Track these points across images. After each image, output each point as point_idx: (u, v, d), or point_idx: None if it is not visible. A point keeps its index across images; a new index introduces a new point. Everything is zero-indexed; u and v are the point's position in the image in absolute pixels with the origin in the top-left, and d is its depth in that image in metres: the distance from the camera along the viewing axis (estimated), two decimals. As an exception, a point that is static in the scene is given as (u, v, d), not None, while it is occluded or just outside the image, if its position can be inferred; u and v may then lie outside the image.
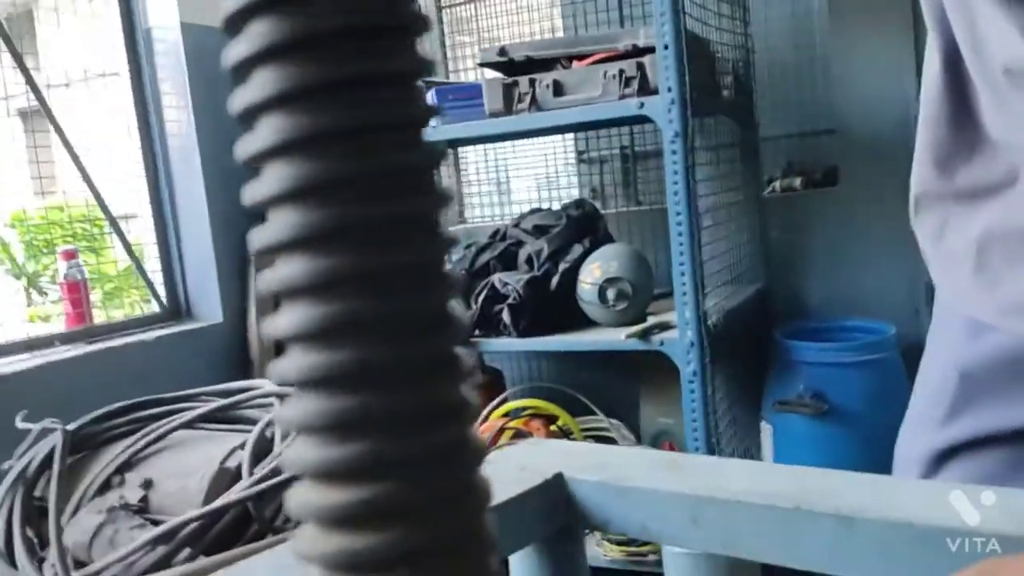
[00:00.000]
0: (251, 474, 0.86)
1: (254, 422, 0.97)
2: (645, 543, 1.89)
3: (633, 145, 2.64)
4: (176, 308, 2.72)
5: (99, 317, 2.60)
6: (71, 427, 0.95)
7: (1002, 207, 0.59)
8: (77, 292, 2.56)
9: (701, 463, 0.62)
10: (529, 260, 2.07)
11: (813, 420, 1.95)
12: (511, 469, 0.64)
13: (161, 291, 2.70)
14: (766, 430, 2.10)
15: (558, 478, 0.62)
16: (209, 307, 2.71)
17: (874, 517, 0.49)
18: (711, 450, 1.82)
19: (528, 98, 1.86)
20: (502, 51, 1.92)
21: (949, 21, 0.59)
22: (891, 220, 2.32)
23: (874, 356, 2.02)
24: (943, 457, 0.64)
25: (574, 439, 2.23)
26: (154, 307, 2.69)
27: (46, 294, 2.99)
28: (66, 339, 2.44)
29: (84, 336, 2.47)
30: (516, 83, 1.88)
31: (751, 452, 2.19)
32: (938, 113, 0.62)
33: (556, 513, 0.62)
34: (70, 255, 2.58)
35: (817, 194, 2.41)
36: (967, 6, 0.56)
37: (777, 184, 2.48)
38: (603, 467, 0.62)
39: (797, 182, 2.45)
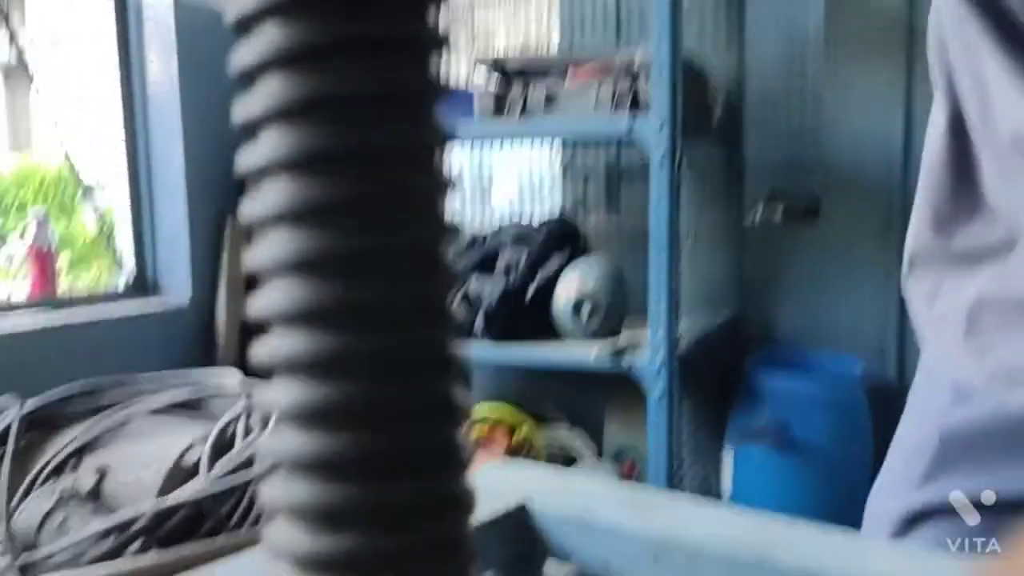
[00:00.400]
0: (209, 471, 0.84)
1: (218, 412, 0.95)
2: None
3: (619, 162, 2.65)
4: (144, 284, 2.69)
5: (65, 283, 2.56)
6: (28, 406, 0.93)
7: (997, 273, 0.59)
8: (44, 261, 2.52)
9: (667, 502, 0.62)
10: (507, 269, 2.06)
11: (775, 452, 1.96)
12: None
13: (131, 263, 2.66)
14: (728, 458, 2.11)
15: (521, 508, 0.62)
16: (178, 284, 2.67)
17: (838, 575, 0.49)
18: (671, 475, 1.83)
19: (519, 107, 1.86)
20: (496, 64, 1.92)
21: (956, 85, 0.59)
22: (867, 259, 2.34)
23: (840, 392, 2.04)
24: (916, 519, 0.64)
25: (535, 452, 2.23)
26: (121, 279, 2.65)
27: (12, 256, 2.93)
28: (29, 307, 2.40)
29: (48, 306, 2.43)
30: (508, 91, 1.88)
31: (711, 479, 2.20)
32: (940, 176, 0.62)
33: (518, 541, 0.62)
34: (40, 220, 2.54)
35: (797, 224, 2.43)
36: (977, 72, 0.56)
37: (757, 216, 2.49)
38: (568, 495, 0.62)
39: (779, 212, 2.47)
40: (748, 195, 2.48)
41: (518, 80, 1.91)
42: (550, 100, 1.85)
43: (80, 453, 0.91)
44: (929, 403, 0.66)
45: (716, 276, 2.22)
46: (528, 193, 2.64)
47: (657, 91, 1.69)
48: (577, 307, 1.91)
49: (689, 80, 1.75)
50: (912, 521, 0.63)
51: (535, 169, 2.65)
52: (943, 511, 0.62)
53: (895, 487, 0.68)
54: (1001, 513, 0.60)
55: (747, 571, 0.52)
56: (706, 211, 2.14)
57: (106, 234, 2.63)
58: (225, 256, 2.70)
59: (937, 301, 0.64)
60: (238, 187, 2.73)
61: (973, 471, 0.61)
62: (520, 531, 0.62)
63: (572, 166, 2.71)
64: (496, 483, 0.66)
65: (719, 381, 2.22)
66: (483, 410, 2.32)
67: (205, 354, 2.61)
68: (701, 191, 2.09)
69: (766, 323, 2.43)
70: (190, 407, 1.01)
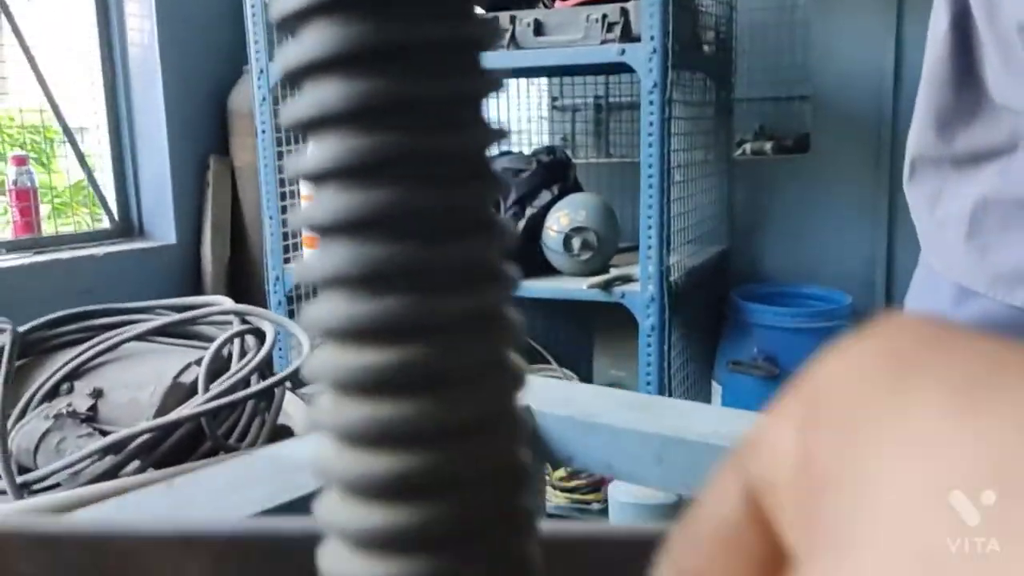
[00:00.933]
0: (206, 390, 0.84)
1: (209, 339, 0.94)
2: (590, 491, 1.91)
3: (608, 96, 2.62)
4: (128, 226, 2.66)
5: (48, 228, 2.53)
6: (22, 328, 0.92)
7: (1000, 173, 0.59)
8: (26, 200, 2.48)
9: (668, 405, 0.62)
10: (496, 202, 2.05)
11: (764, 382, 1.98)
12: (476, 400, 0.64)
13: (113, 208, 2.63)
14: (716, 390, 2.13)
15: (526, 410, 0.62)
16: (163, 227, 2.64)
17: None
18: (662, 404, 1.84)
19: (508, 35, 1.82)
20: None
21: None
22: (857, 192, 2.34)
23: (828, 324, 2.05)
24: None
25: (527, 385, 2.25)
26: (105, 223, 2.62)
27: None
28: (12, 247, 2.37)
29: (32, 246, 2.40)
30: (496, 19, 1.84)
31: (700, 409, 2.23)
32: (942, 74, 0.61)
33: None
34: (20, 161, 2.49)
35: (786, 160, 2.42)
36: None
37: (748, 147, 2.48)
38: (571, 403, 0.62)
39: (768, 146, 2.46)
40: (737, 130, 2.46)
41: (504, 6, 1.88)
42: (539, 28, 1.82)
43: (73, 377, 0.90)
44: (926, 305, 0.65)
45: (706, 210, 2.22)
46: (517, 125, 2.61)
47: (648, 18, 1.66)
48: (568, 241, 1.91)
49: (680, 10, 1.72)
50: None
51: (524, 101, 2.62)
52: None
53: None
54: None
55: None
56: (696, 145, 2.12)
57: (88, 179, 2.59)
58: (209, 197, 2.67)
59: (939, 204, 0.63)
60: (220, 128, 2.68)
61: None
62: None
63: (561, 100, 2.68)
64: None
65: (709, 314, 2.23)
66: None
67: (192, 292, 2.59)
68: (691, 125, 2.07)
69: (755, 257, 2.43)
70: (180, 335, 1.00)
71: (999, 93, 0.58)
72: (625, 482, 0.60)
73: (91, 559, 0.25)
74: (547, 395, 0.63)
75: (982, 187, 0.59)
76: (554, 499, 1.94)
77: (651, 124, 1.69)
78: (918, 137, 0.64)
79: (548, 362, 2.43)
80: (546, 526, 0.24)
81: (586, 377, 2.37)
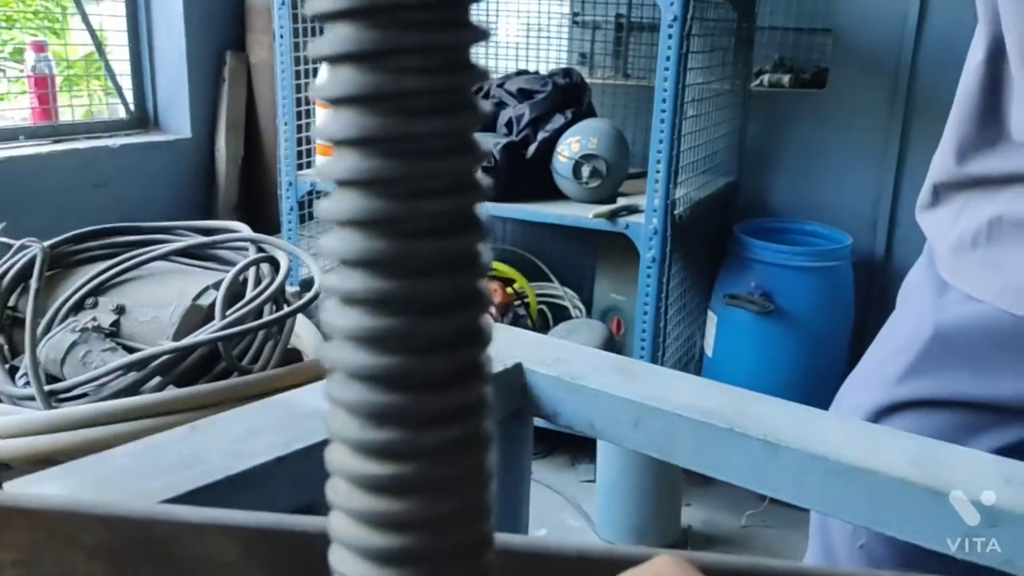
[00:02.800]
0: (223, 316, 0.89)
1: (228, 263, 0.99)
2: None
3: (629, 14, 2.58)
4: (144, 117, 2.67)
5: (65, 111, 2.54)
6: (48, 243, 0.97)
7: (1016, 196, 0.62)
8: (44, 87, 2.49)
9: (650, 372, 0.67)
10: (509, 124, 2.06)
11: (758, 317, 2.03)
12: (474, 351, 0.69)
13: (129, 98, 2.64)
14: (712, 320, 2.19)
15: (517, 367, 0.67)
16: (178, 120, 2.66)
17: (796, 447, 0.54)
18: (657, 333, 1.90)
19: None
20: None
21: (1000, 12, 0.60)
22: (868, 133, 2.34)
23: (827, 263, 2.09)
24: (886, 412, 0.68)
25: (528, 304, 2.30)
26: (120, 111, 2.63)
27: (2, 71, 2.89)
28: (31, 134, 2.39)
29: (49, 133, 2.43)
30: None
31: (694, 339, 2.29)
32: (969, 108, 0.64)
33: (511, 398, 0.67)
34: (39, 47, 2.49)
35: (803, 94, 2.41)
36: (1022, 5, 0.57)
37: (765, 78, 2.47)
38: (559, 363, 0.67)
39: (786, 79, 2.44)
40: (756, 61, 2.44)
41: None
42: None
43: (98, 292, 0.96)
44: (925, 301, 0.69)
45: (718, 142, 2.22)
46: (535, 41, 2.59)
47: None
48: (577, 168, 1.93)
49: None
50: (882, 414, 0.68)
51: (543, 16, 2.59)
52: (915, 405, 0.67)
53: (869, 383, 0.72)
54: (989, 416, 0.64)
55: (717, 437, 0.57)
56: (713, 76, 2.11)
57: (99, 56, 2.59)
58: (225, 92, 2.68)
59: (959, 220, 0.67)
60: (237, 23, 2.66)
61: (959, 370, 0.65)
62: (514, 389, 0.67)
63: (581, 16, 2.64)
64: (495, 346, 0.71)
65: (711, 245, 2.27)
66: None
67: (206, 189, 2.63)
68: (710, 56, 2.06)
69: (762, 192, 2.45)
70: (201, 257, 1.04)
71: (1019, 133, 0.61)
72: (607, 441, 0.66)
73: (142, 537, 0.30)
74: (539, 354, 0.68)
75: (998, 206, 0.63)
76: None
77: (668, 58, 1.69)
78: (941, 164, 0.68)
79: (551, 280, 2.49)
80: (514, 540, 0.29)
81: (587, 299, 2.43)
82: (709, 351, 2.21)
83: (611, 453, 1.84)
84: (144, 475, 0.48)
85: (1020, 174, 0.62)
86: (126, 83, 2.64)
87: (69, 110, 2.55)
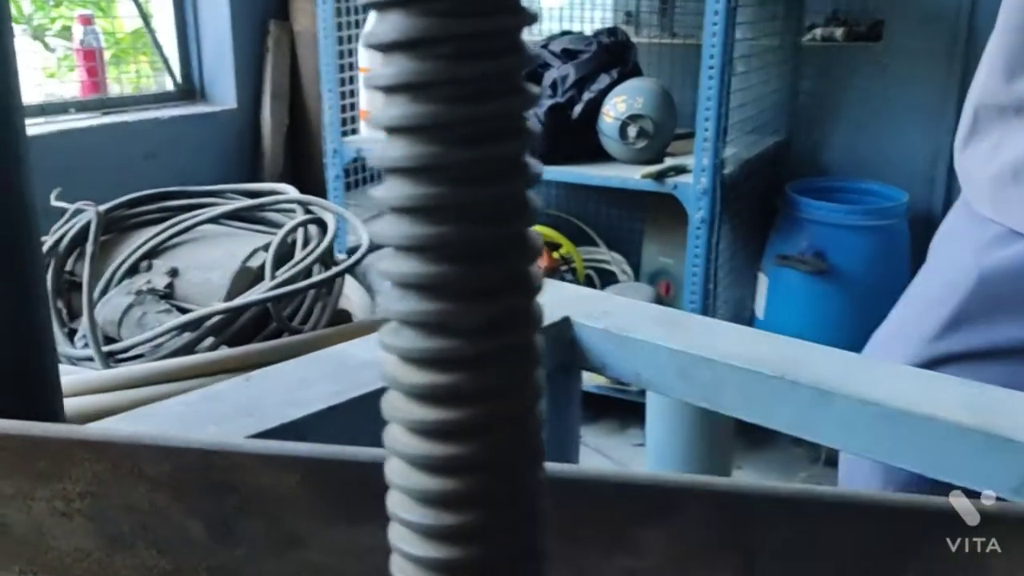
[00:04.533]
0: (273, 277, 0.90)
1: (276, 225, 1.01)
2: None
3: (676, -27, 2.53)
4: (190, 88, 2.71)
5: (113, 85, 2.59)
6: (103, 208, 0.99)
7: None
8: (92, 60, 2.53)
9: (697, 323, 0.67)
10: (554, 85, 2.04)
11: (810, 278, 2.00)
12: (521, 305, 0.69)
13: (176, 69, 2.67)
14: (763, 282, 2.16)
15: (565, 321, 0.67)
16: (224, 91, 2.69)
17: (848, 393, 0.54)
18: (706, 295, 1.89)
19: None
20: None
21: None
22: (925, 86, 2.27)
23: (882, 222, 2.04)
24: (927, 368, 0.66)
25: (575, 268, 2.30)
26: (167, 84, 2.67)
27: (53, 50, 2.95)
28: (81, 107, 2.44)
29: (99, 106, 2.47)
30: None
31: (745, 301, 2.27)
32: (1017, 20, 0.61)
33: (560, 351, 0.68)
34: (86, 20, 2.53)
35: (857, 47, 2.34)
36: None
37: (818, 32, 2.40)
38: (607, 316, 0.67)
39: (839, 33, 2.38)
40: (808, 15, 2.38)
41: None
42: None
43: (152, 255, 0.98)
44: (965, 248, 0.66)
45: (768, 100, 2.18)
46: (579, 0, 2.55)
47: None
48: (624, 128, 1.91)
49: None
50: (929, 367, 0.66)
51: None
52: (959, 359, 0.64)
53: (904, 339, 0.69)
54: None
55: (765, 385, 0.57)
56: (763, 32, 2.07)
57: (147, 31, 2.63)
58: (269, 62, 2.70)
59: (998, 153, 0.64)
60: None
61: (1009, 316, 0.63)
62: (562, 342, 0.68)
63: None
64: (544, 300, 0.71)
65: (762, 205, 2.23)
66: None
67: (252, 159, 2.66)
68: (759, 10, 2.01)
69: (815, 150, 2.40)
70: (250, 219, 1.06)
71: None
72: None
73: (202, 468, 0.31)
74: (587, 307, 0.68)
75: None
76: (596, 379, 2.03)
77: (716, 13, 1.66)
78: (984, 86, 0.65)
79: (597, 245, 2.47)
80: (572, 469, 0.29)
81: (635, 262, 2.41)
82: (760, 313, 2.18)
83: (660, 416, 1.84)
84: (199, 422, 0.49)
85: None
86: (172, 56, 2.68)
87: (117, 84, 2.59)
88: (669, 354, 0.62)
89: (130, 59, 2.76)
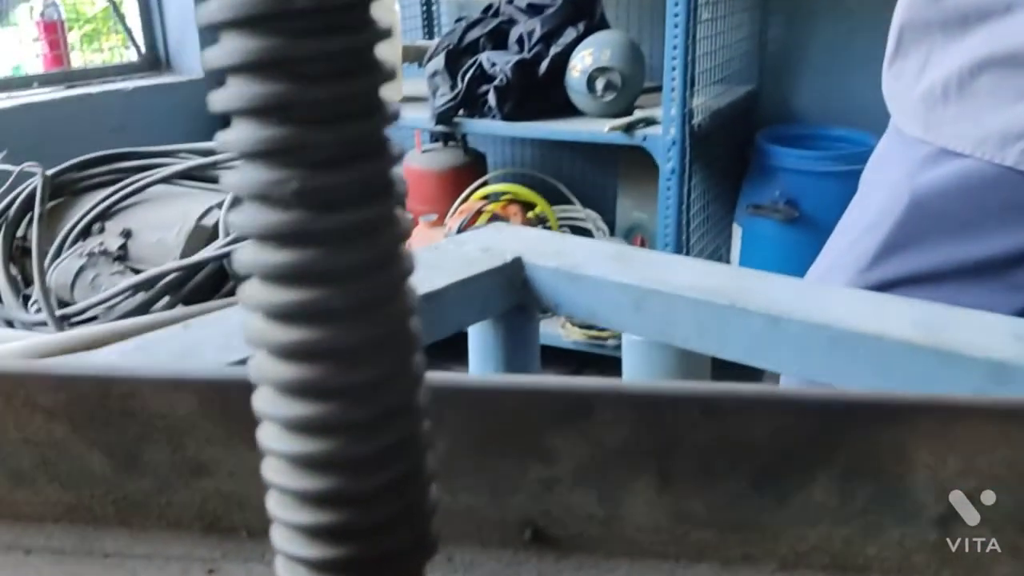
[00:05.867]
0: (227, 234, 0.89)
1: (231, 183, 0.99)
2: (605, 328, 1.98)
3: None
4: (156, 59, 2.66)
5: (77, 60, 2.54)
6: (50, 172, 0.97)
7: (991, 34, 0.58)
8: (54, 32, 2.48)
9: (649, 257, 0.65)
10: (520, 40, 2.01)
11: (783, 226, 1.99)
12: (475, 250, 0.68)
13: (140, 41, 2.62)
14: (737, 232, 2.15)
15: (517, 261, 0.66)
16: (190, 61, 2.64)
17: (798, 318, 0.53)
18: (680, 247, 1.88)
19: None
20: None
21: None
22: (895, 30, 2.25)
23: (852, 167, 2.03)
24: (875, 290, 0.65)
25: (550, 227, 2.28)
26: (132, 55, 2.62)
27: (15, 24, 2.88)
28: (44, 81, 2.39)
29: (62, 80, 2.42)
30: None
31: (720, 252, 2.26)
32: None
33: (513, 292, 0.66)
34: (47, -8, 2.48)
35: (825, -4, 2.32)
36: None
37: (786, -20, 2.38)
38: (559, 254, 0.65)
39: (807, -21, 2.35)
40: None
41: None
42: None
43: (104, 218, 0.96)
44: (897, 171, 0.66)
45: (736, 48, 2.16)
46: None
47: None
48: (591, 81, 1.88)
49: None
50: None
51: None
52: (895, 285, 0.63)
53: (839, 269, 0.68)
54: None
55: (717, 314, 0.56)
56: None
57: (113, 11, 2.57)
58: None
59: (926, 72, 0.63)
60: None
61: (941, 237, 0.62)
62: (515, 283, 0.66)
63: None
64: (495, 243, 0.70)
65: (733, 156, 2.22)
66: (498, 187, 2.35)
67: (221, 127, 2.62)
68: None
69: (785, 98, 2.38)
70: (204, 178, 1.04)
71: None
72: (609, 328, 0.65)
73: (99, 396, 0.30)
74: (538, 247, 0.67)
75: (971, 52, 0.59)
76: (571, 335, 2.02)
77: (678, -41, 1.63)
78: (909, 3, 0.64)
79: (572, 202, 2.46)
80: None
81: (610, 219, 2.40)
82: (735, 263, 2.18)
83: (635, 367, 1.84)
84: (134, 370, 0.48)
85: (995, 6, 0.58)
86: (136, 27, 2.62)
87: (81, 56, 2.54)
88: (622, 289, 0.61)
89: (104, 36, 2.70)
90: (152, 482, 0.30)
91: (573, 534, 0.29)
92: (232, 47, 0.18)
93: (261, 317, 0.19)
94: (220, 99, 0.19)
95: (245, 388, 0.23)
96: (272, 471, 0.20)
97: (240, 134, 0.18)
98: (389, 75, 0.19)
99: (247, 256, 0.19)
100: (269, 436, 0.20)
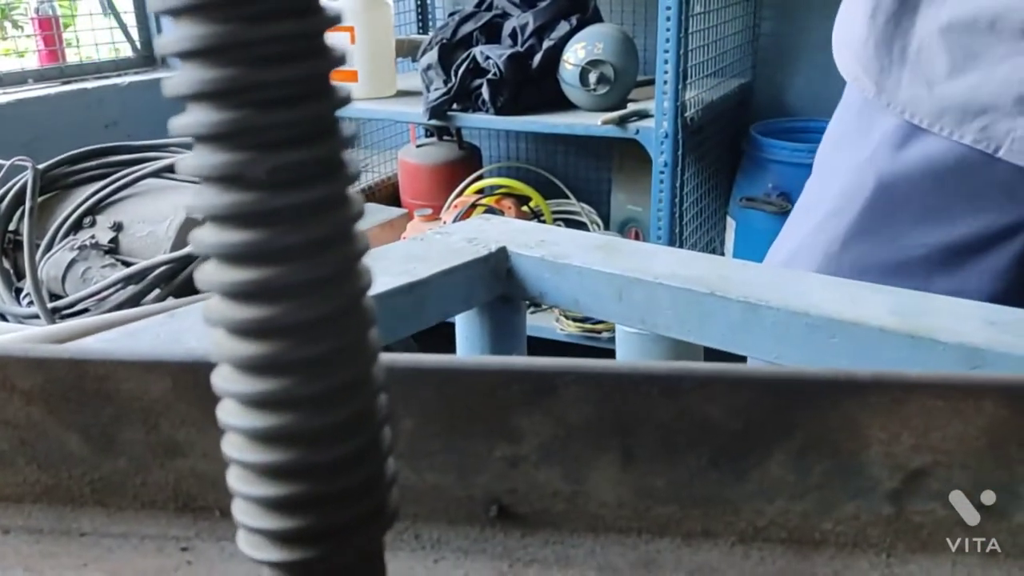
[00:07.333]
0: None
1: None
2: (600, 321, 1.99)
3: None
4: (150, 55, 2.66)
5: (73, 56, 2.54)
6: (42, 166, 0.97)
7: (947, 4, 0.58)
8: (49, 28, 2.48)
9: (632, 248, 0.66)
10: (513, 34, 2.01)
11: (777, 218, 2.00)
12: (460, 240, 0.69)
13: (135, 36, 2.62)
14: (730, 224, 2.16)
15: (501, 251, 0.66)
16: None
17: (776, 305, 0.53)
18: (673, 240, 1.88)
19: None
20: None
21: None
22: (888, 23, 2.25)
23: (845, 161, 2.04)
24: (846, 276, 0.64)
25: (544, 221, 2.29)
26: (127, 51, 2.62)
27: (21, 28, 2.89)
28: (39, 77, 2.39)
29: (57, 75, 2.42)
30: None
31: (714, 244, 2.27)
32: None
33: (497, 282, 0.67)
34: (41, -10, 2.48)
35: (819, -12, 2.32)
36: None
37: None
38: (543, 245, 0.66)
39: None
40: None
41: None
42: None
43: (95, 211, 0.96)
44: (858, 153, 0.65)
45: (729, 42, 2.16)
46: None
47: None
48: (585, 75, 1.89)
49: None
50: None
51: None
52: (865, 272, 0.63)
53: (806, 255, 0.67)
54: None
55: (698, 302, 0.57)
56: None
57: (109, 3, 2.57)
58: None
59: (895, 40, 0.62)
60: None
61: (909, 225, 0.62)
62: (500, 273, 0.67)
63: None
64: (480, 233, 0.70)
65: (727, 149, 2.22)
66: (493, 181, 2.36)
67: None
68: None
69: (779, 91, 2.39)
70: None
71: None
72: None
73: (75, 379, 0.30)
74: (523, 238, 0.68)
75: (930, 18, 0.59)
76: (566, 328, 2.03)
77: (670, -48, 1.64)
78: None
79: (566, 196, 2.46)
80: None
81: (605, 212, 2.40)
82: (729, 256, 2.19)
83: (628, 352, 1.84)
84: (118, 358, 0.48)
85: None
86: (130, 21, 2.62)
87: (77, 51, 2.54)
88: (604, 278, 0.61)
89: (96, 39, 2.70)
90: (127, 463, 0.31)
91: (538, 510, 0.29)
92: (184, 33, 0.19)
93: (217, 296, 0.20)
94: (173, 84, 0.19)
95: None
96: (231, 446, 0.21)
97: (193, 118, 0.19)
98: (339, 60, 0.20)
99: (203, 237, 0.20)
100: (228, 412, 0.21)
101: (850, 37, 0.66)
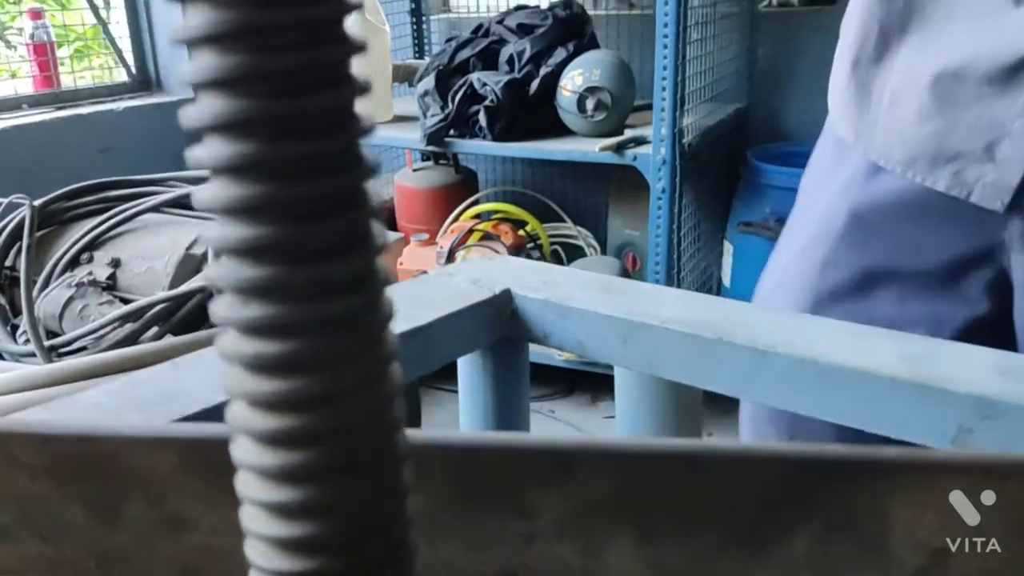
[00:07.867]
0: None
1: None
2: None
3: (631, -56, 2.51)
4: (146, 79, 2.66)
5: (67, 77, 2.54)
6: (39, 202, 0.97)
7: (916, 50, 0.59)
8: (44, 54, 2.48)
9: (638, 289, 0.66)
10: (510, 60, 2.02)
11: (774, 243, 2.00)
12: (464, 282, 0.68)
13: (130, 60, 2.62)
14: (728, 249, 2.16)
15: (505, 293, 0.66)
16: (180, 81, 2.65)
17: (785, 352, 0.53)
18: (671, 265, 1.88)
19: None
20: None
21: None
22: (883, 48, 2.27)
23: (842, 186, 2.05)
24: (825, 301, 0.66)
25: (541, 245, 2.29)
26: (122, 75, 2.62)
27: (14, 48, 2.89)
28: (34, 103, 2.39)
29: (52, 101, 2.42)
30: None
31: (711, 270, 2.27)
32: None
33: (501, 324, 0.66)
34: (36, 15, 2.48)
35: (813, 12, 2.34)
36: None
37: (774, 0, 2.39)
38: (547, 286, 0.65)
39: (795, -2, 2.37)
40: (765, -20, 2.37)
41: None
42: None
43: (92, 247, 0.96)
44: (833, 183, 0.67)
45: (726, 67, 2.17)
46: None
47: None
48: (582, 101, 1.89)
49: None
50: (820, 306, 0.66)
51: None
52: (855, 289, 0.64)
53: (796, 278, 0.69)
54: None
55: (704, 348, 0.56)
56: (719, -2, 2.05)
57: (102, 30, 2.58)
58: (226, 50, 2.65)
59: (874, 85, 0.64)
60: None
61: (880, 253, 0.63)
62: (504, 315, 0.66)
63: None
64: (483, 274, 0.70)
65: (723, 175, 2.23)
66: (489, 206, 2.36)
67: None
68: (714, -24, 2.00)
69: (775, 116, 2.40)
70: (193, 206, 1.04)
71: None
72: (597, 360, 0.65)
73: (81, 454, 0.30)
74: (527, 279, 0.67)
75: (901, 71, 0.60)
76: (564, 355, 2.02)
77: (667, -19, 1.65)
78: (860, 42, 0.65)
79: (563, 220, 2.46)
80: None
81: (601, 237, 2.40)
82: (727, 281, 2.19)
83: (628, 387, 1.84)
84: (120, 411, 0.48)
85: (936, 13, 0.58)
86: (126, 46, 2.63)
87: (80, 80, 2.54)
88: (609, 322, 0.61)
89: (94, 54, 2.71)
90: (133, 538, 0.30)
91: (554, 588, 0.29)
92: (207, 63, 0.18)
93: (240, 369, 0.20)
94: (192, 115, 0.18)
95: (226, 445, 0.23)
96: (252, 519, 0.20)
97: (212, 150, 0.18)
98: (365, 89, 0.19)
99: (222, 310, 0.19)
100: (250, 485, 0.20)
101: (834, 83, 0.68)
